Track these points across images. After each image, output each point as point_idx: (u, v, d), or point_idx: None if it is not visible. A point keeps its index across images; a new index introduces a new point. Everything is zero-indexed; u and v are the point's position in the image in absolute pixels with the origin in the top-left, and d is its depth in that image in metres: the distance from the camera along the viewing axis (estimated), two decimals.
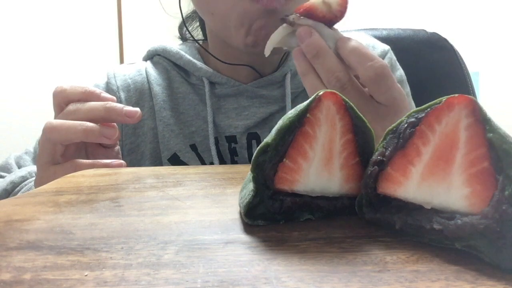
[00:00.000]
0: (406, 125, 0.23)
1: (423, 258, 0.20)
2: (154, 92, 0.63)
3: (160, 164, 0.61)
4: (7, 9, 1.81)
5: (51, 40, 1.97)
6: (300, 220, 0.25)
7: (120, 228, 0.24)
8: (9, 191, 0.55)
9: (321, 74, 0.42)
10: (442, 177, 0.21)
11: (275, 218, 0.25)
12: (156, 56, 0.67)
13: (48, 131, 0.44)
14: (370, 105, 0.42)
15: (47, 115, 0.50)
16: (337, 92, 0.24)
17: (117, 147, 0.52)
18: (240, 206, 0.26)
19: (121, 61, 2.30)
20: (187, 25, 0.68)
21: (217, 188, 0.32)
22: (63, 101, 0.47)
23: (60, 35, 2.00)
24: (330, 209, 0.25)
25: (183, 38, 0.73)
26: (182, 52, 0.64)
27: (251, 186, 0.25)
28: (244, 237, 0.23)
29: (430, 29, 0.89)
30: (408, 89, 0.69)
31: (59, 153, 0.46)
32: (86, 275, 0.19)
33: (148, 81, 0.64)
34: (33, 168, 0.58)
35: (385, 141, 0.24)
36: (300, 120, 0.24)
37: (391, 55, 0.68)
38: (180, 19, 0.67)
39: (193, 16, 0.70)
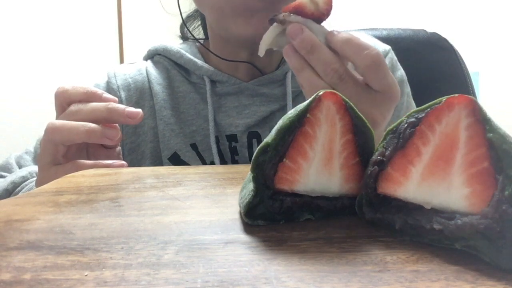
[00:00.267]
0: (406, 125, 0.23)
1: (423, 258, 0.20)
2: (154, 91, 0.63)
3: (160, 163, 0.61)
4: (7, 9, 1.81)
5: (51, 40, 1.97)
6: (300, 220, 0.25)
7: (120, 228, 0.24)
8: (10, 191, 0.55)
9: (317, 68, 0.43)
10: (442, 177, 0.21)
11: (275, 218, 0.25)
12: (156, 56, 0.67)
13: (50, 131, 0.44)
14: (367, 93, 0.43)
15: (47, 115, 0.50)
16: (337, 92, 0.24)
17: (119, 148, 0.52)
18: (240, 206, 0.26)
19: (121, 61, 2.30)
20: (188, 24, 0.68)
21: (217, 188, 0.32)
22: (65, 102, 0.47)
23: (60, 35, 2.00)
24: (330, 209, 0.25)
25: (184, 37, 0.73)
26: (183, 51, 0.64)
27: (251, 186, 0.25)
28: (244, 237, 0.23)
29: (430, 29, 0.89)
30: (408, 89, 0.69)
31: (61, 154, 0.46)
32: (86, 275, 0.19)
33: (149, 81, 0.64)
34: (34, 168, 0.58)
35: (385, 141, 0.24)
36: (300, 120, 0.24)
37: (392, 55, 0.68)
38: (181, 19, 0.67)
39: (194, 15, 0.70)
